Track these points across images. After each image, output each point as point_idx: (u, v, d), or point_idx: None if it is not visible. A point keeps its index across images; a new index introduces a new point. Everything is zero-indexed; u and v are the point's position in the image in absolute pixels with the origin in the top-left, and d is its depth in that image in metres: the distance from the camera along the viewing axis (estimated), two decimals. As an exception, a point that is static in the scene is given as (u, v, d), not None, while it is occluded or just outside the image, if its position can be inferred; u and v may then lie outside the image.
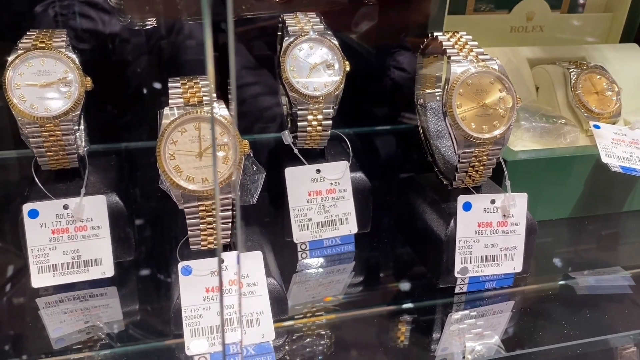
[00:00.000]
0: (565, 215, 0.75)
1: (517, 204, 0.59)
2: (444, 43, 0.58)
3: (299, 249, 0.64)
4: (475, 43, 0.59)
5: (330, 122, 0.65)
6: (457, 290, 0.60)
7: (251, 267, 0.54)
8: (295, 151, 0.65)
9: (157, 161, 0.48)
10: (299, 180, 0.64)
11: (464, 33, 0.60)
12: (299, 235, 0.64)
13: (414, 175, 0.69)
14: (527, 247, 0.61)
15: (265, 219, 0.70)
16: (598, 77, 0.80)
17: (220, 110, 0.50)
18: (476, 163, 0.57)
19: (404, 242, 0.68)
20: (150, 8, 0.84)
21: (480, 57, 0.57)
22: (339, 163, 0.66)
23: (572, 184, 0.74)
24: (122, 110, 0.85)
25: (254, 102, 0.89)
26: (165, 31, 0.84)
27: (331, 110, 0.64)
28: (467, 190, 0.60)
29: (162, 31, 0.83)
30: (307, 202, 0.64)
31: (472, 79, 0.55)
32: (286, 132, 0.65)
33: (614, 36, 0.97)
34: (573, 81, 0.79)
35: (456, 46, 0.58)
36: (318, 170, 0.65)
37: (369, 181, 0.67)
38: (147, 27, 0.81)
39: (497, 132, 0.55)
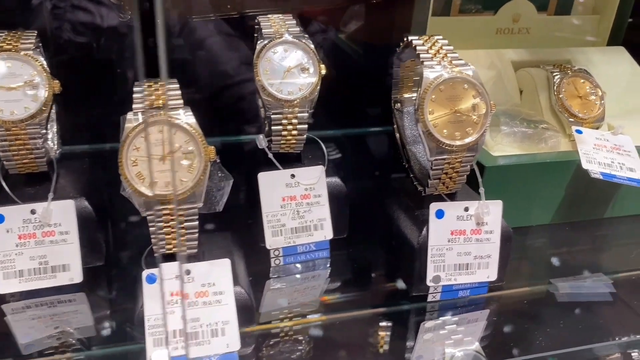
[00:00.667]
0: (546, 222, 0.75)
1: (491, 211, 0.58)
2: (417, 48, 0.57)
3: (272, 255, 0.63)
4: (451, 48, 0.58)
5: (306, 126, 0.64)
6: (430, 298, 0.59)
7: (218, 275, 0.53)
8: (270, 155, 0.64)
9: (119, 168, 0.47)
10: (273, 186, 0.63)
11: (440, 37, 0.59)
12: (272, 241, 0.63)
13: (390, 180, 0.68)
14: (502, 255, 0.60)
15: (245, 224, 0.68)
16: (582, 81, 0.79)
17: (186, 117, 0.49)
18: (449, 170, 0.57)
19: (380, 249, 0.67)
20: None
21: (454, 62, 0.56)
22: (314, 168, 0.65)
23: (553, 189, 0.73)
24: (104, 110, 0.84)
25: (253, 99, 0.88)
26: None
27: (306, 114, 0.63)
28: (441, 197, 0.59)
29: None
30: (281, 207, 0.63)
31: (444, 84, 0.54)
32: (261, 136, 0.64)
33: (602, 38, 0.96)
34: (556, 85, 0.78)
35: (430, 51, 0.57)
36: (292, 175, 0.64)
37: (350, 185, 0.66)
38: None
39: (469, 139, 0.55)
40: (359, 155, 0.91)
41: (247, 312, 0.54)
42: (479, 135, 0.55)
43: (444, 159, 0.55)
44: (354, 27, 0.95)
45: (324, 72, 0.64)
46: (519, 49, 0.89)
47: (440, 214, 0.57)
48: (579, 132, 0.75)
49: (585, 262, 0.71)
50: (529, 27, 0.92)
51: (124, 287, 0.59)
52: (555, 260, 0.69)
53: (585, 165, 0.71)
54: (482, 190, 0.58)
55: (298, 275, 0.63)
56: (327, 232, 0.65)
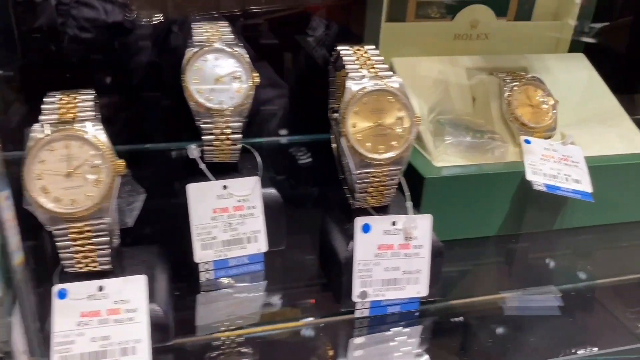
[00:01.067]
0: (492, 233, 0.73)
1: (420, 225, 0.56)
2: (344, 58, 0.55)
3: (201, 269, 0.62)
4: (381, 59, 0.56)
5: (240, 135, 0.62)
6: (357, 314, 0.57)
7: (132, 291, 0.51)
8: (202, 166, 0.63)
9: (22, 182, 0.46)
10: (203, 197, 0.61)
11: (371, 48, 0.58)
12: (201, 254, 0.61)
13: (325, 192, 0.66)
14: (434, 270, 0.58)
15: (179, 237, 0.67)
16: (534, 89, 0.77)
17: (95, 131, 0.48)
18: (376, 183, 0.55)
19: (315, 262, 0.66)
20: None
21: (380, 73, 0.54)
22: (248, 179, 0.63)
23: (500, 201, 0.72)
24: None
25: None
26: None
27: (240, 123, 0.62)
28: (373, 211, 0.58)
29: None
30: (212, 219, 0.62)
31: (368, 97, 0.53)
32: (192, 145, 0.63)
33: (563, 45, 0.95)
34: (507, 93, 0.76)
35: (358, 62, 0.55)
36: (225, 186, 0.62)
37: (295, 194, 0.65)
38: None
39: (393, 153, 0.53)
40: (317, 162, 0.89)
41: (162, 329, 0.52)
42: (403, 149, 0.53)
43: (368, 173, 0.54)
44: (311, 33, 0.93)
45: (257, 81, 0.62)
46: (475, 55, 0.87)
47: (366, 228, 0.56)
48: (527, 142, 0.73)
49: (532, 274, 0.69)
50: (488, 33, 0.91)
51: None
52: (497, 273, 0.67)
53: (529, 176, 0.69)
54: (409, 204, 0.56)
55: (229, 290, 0.62)
56: (261, 245, 0.64)
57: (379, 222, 0.56)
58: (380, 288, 0.57)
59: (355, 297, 0.56)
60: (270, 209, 0.65)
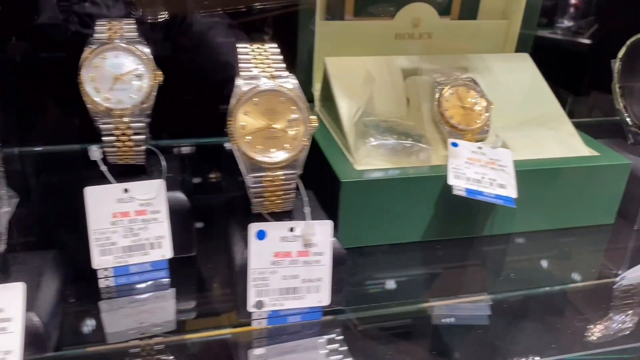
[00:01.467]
0: (416, 239, 0.70)
1: (320, 232, 0.54)
2: (239, 57, 0.53)
3: (100, 276, 0.59)
4: (279, 58, 0.54)
5: (143, 136, 0.60)
6: (255, 325, 0.55)
7: (8, 300, 0.49)
8: (103, 168, 0.60)
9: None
10: (102, 201, 0.59)
11: (273, 46, 0.55)
12: (99, 260, 0.59)
13: (234, 196, 0.64)
14: (337, 278, 0.56)
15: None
16: (466, 90, 0.75)
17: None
18: (272, 188, 0.53)
19: (223, 269, 0.63)
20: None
21: (275, 73, 0.52)
22: (151, 182, 0.61)
23: (423, 206, 0.69)
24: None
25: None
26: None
27: (142, 123, 0.59)
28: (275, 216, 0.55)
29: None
30: (112, 224, 0.59)
31: (259, 97, 0.50)
32: (94, 147, 0.60)
33: (511, 45, 0.92)
34: (438, 94, 0.74)
35: (254, 60, 0.53)
36: (126, 190, 0.60)
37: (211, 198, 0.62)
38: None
39: (285, 157, 0.51)
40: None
41: (39, 339, 0.50)
42: (296, 152, 0.51)
43: (261, 177, 0.51)
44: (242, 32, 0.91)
45: (160, 79, 0.60)
46: (414, 55, 0.84)
47: (261, 234, 0.53)
48: (455, 145, 0.70)
49: (454, 282, 0.66)
50: (431, 32, 0.88)
51: None
52: (418, 280, 0.65)
53: (450, 180, 0.67)
54: (307, 209, 0.54)
55: (127, 297, 0.59)
56: (165, 251, 0.61)
57: (275, 229, 0.53)
58: (278, 297, 0.54)
59: (250, 307, 0.54)
60: (177, 214, 0.62)
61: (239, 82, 0.50)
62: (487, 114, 0.74)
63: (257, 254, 0.53)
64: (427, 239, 0.71)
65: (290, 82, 0.51)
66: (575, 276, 0.70)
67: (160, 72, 0.60)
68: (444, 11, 0.89)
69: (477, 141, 0.73)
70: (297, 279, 0.55)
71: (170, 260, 0.62)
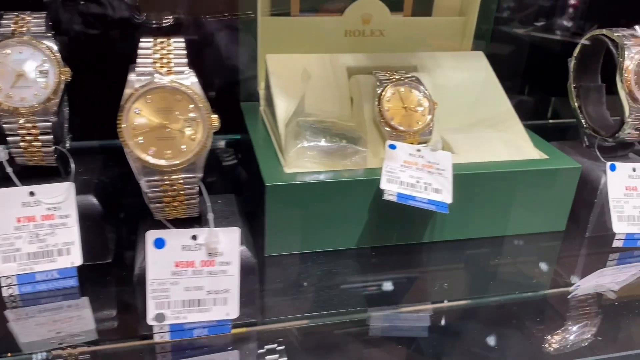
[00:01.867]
0: (350, 246, 0.67)
1: (226, 239, 0.50)
2: (139, 51, 0.49)
3: (3, 284, 0.56)
4: (182, 53, 0.50)
5: (51, 137, 0.57)
6: (157, 338, 0.51)
7: None
8: (8, 170, 0.57)
9: None
10: (5, 205, 0.55)
11: (179, 41, 0.52)
12: (2, 268, 0.56)
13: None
14: (247, 289, 0.52)
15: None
16: (410, 90, 0.71)
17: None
18: (172, 192, 0.49)
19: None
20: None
21: (175, 69, 0.48)
22: (59, 184, 0.57)
23: (357, 211, 0.65)
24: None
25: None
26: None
27: (48, 123, 0.56)
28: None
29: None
30: (15, 229, 0.56)
31: (153, 94, 0.47)
32: (0, 147, 0.57)
33: (468, 43, 0.88)
34: (379, 94, 0.70)
35: (153, 55, 0.49)
36: (32, 193, 0.56)
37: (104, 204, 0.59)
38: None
39: (181, 160, 0.47)
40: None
41: None
42: (193, 154, 0.47)
43: (156, 181, 0.48)
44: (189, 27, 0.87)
45: (66, 76, 0.56)
46: (361, 53, 0.81)
47: (160, 243, 0.50)
48: (392, 147, 0.67)
49: (385, 292, 0.63)
50: (383, 30, 0.85)
51: None
52: (345, 290, 0.61)
53: (383, 184, 0.63)
54: (210, 215, 0.50)
55: (32, 307, 0.56)
56: (75, 258, 0.58)
57: (175, 237, 0.50)
58: (180, 310, 0.51)
59: (150, 320, 0.50)
60: (88, 219, 0.59)
61: (131, 77, 0.47)
62: (430, 115, 0.70)
63: (155, 263, 0.50)
64: (362, 246, 0.67)
65: (189, 80, 0.48)
66: (525, 285, 0.65)
67: (67, 69, 0.57)
68: (396, 8, 0.85)
69: (420, 143, 0.69)
70: (202, 291, 0.51)
71: (82, 268, 0.58)
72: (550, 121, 1.10)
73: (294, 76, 0.76)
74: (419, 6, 0.87)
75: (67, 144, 0.65)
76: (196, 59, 0.86)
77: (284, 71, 0.76)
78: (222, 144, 0.91)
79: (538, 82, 1.10)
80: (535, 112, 1.12)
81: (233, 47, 0.86)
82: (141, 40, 0.51)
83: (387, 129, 0.69)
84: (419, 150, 0.67)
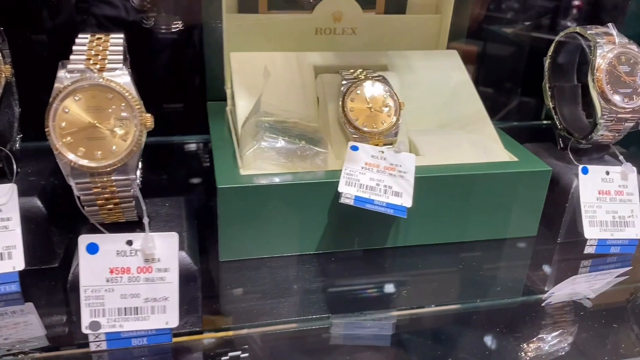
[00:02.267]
0: (310, 251, 0.64)
1: (163, 245, 0.48)
2: (74, 48, 0.47)
3: (-63, 288, 0.54)
4: (119, 49, 0.48)
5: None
6: (93, 347, 0.49)
7: None
8: (-53, 172, 0.54)
9: None
10: (-58, 207, 0.53)
11: (118, 37, 0.49)
12: (-63, 272, 0.53)
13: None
14: (189, 296, 0.50)
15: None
16: (376, 90, 0.68)
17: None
18: (106, 196, 0.47)
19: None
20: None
21: (109, 66, 0.46)
22: (1, 186, 0.55)
23: (316, 214, 0.63)
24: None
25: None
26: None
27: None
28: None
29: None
30: (-47, 233, 0.54)
31: (82, 93, 0.44)
32: None
33: (444, 41, 0.85)
34: (343, 94, 0.68)
35: (87, 52, 0.47)
36: (-29, 195, 0.54)
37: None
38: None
39: (111, 161, 0.45)
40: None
41: None
42: (124, 155, 0.45)
43: (87, 183, 0.45)
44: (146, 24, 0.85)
45: (6, 74, 0.54)
46: (330, 52, 0.78)
47: (93, 248, 0.47)
48: (354, 148, 0.64)
49: (343, 299, 0.60)
50: (355, 28, 0.82)
51: None
52: (298, 298, 0.59)
53: (341, 187, 0.61)
54: (146, 220, 0.48)
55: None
56: (16, 262, 0.56)
57: (109, 242, 0.48)
58: (116, 318, 0.49)
59: (84, 329, 0.48)
60: (32, 222, 0.57)
61: (60, 74, 0.45)
62: (396, 116, 0.67)
63: (88, 270, 0.47)
64: (321, 251, 0.64)
65: (122, 77, 0.45)
66: (491, 293, 0.63)
67: (8, 67, 0.55)
68: (368, 5, 0.83)
69: (385, 145, 0.67)
70: (139, 298, 0.49)
71: (27, 272, 0.56)
72: (545, 122, 1.07)
73: (257, 75, 0.73)
74: (393, 3, 0.85)
75: (17, 145, 0.63)
76: (163, 58, 0.85)
77: (248, 70, 0.73)
78: (190, 145, 0.89)
79: (533, 82, 1.07)
80: (528, 112, 1.09)
81: (200, 45, 0.84)
82: (79, 35, 0.49)
83: (351, 129, 0.66)
84: (382, 152, 0.64)
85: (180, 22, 0.82)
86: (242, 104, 0.70)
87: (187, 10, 0.82)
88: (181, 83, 0.85)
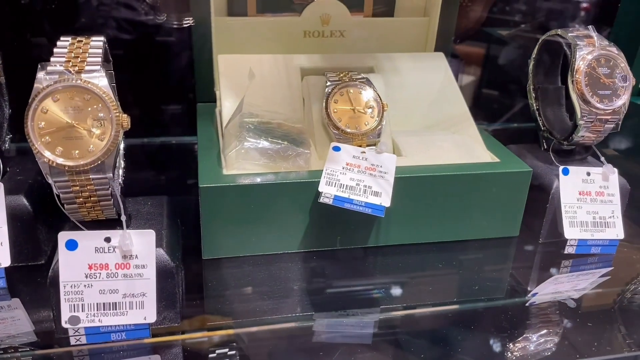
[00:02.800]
0: (293, 250, 0.65)
1: (140, 242, 0.49)
2: (54, 50, 0.49)
3: None
4: (98, 52, 0.49)
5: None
6: (72, 342, 0.50)
7: None
8: None
9: None
10: None
11: (98, 39, 0.51)
12: None
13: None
14: (167, 293, 0.51)
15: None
16: (359, 91, 0.69)
17: None
18: (85, 194, 0.48)
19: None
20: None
21: (87, 68, 0.47)
22: (-16, 185, 0.57)
23: (298, 213, 0.64)
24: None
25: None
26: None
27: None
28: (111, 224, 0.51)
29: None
30: None
31: (61, 93, 0.46)
32: None
33: (431, 43, 0.86)
34: (327, 95, 0.69)
35: (67, 54, 0.48)
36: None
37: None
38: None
39: (88, 160, 0.46)
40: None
41: None
42: (100, 155, 0.46)
43: (66, 182, 0.47)
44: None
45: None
46: (317, 54, 0.79)
47: (72, 245, 0.49)
48: (337, 149, 0.66)
49: (324, 298, 0.61)
50: (344, 30, 0.83)
51: None
52: (279, 297, 0.60)
53: (321, 187, 0.62)
54: (123, 217, 0.49)
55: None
56: (3, 259, 0.57)
57: (88, 238, 0.49)
58: (95, 313, 0.50)
59: (64, 323, 0.49)
60: (18, 219, 0.58)
61: (39, 75, 0.46)
62: (379, 117, 0.68)
63: (68, 265, 0.49)
64: (304, 250, 0.65)
65: (99, 79, 0.47)
66: (475, 293, 0.63)
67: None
68: (356, 8, 0.84)
69: (368, 145, 0.68)
70: (117, 294, 0.50)
71: (13, 269, 0.57)
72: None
73: (244, 77, 0.75)
74: (381, 6, 0.86)
75: (7, 144, 0.64)
76: (155, 60, 0.86)
77: (235, 72, 0.75)
78: (180, 145, 0.90)
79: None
80: (521, 114, 1.10)
81: (191, 47, 0.85)
82: (60, 38, 0.51)
83: (334, 130, 0.67)
84: (363, 152, 0.65)
85: (191, 19, 0.84)
86: (227, 105, 0.71)
87: (178, 9, 0.83)
88: (172, 84, 0.87)
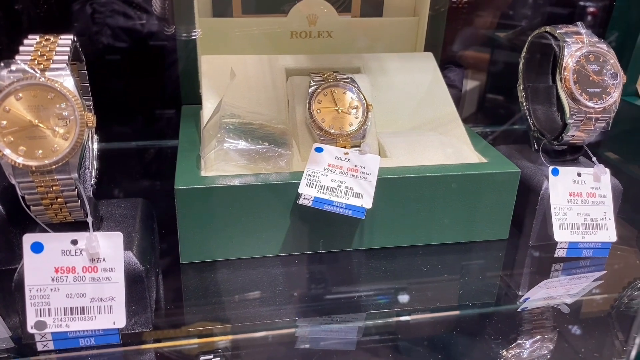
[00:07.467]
0: (274, 253, 0.64)
1: (108, 245, 0.48)
2: (21, 48, 0.47)
3: None
4: (65, 50, 0.48)
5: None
6: (40, 347, 0.49)
7: None
8: None
9: None
10: None
11: (67, 38, 0.50)
12: None
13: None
14: (137, 297, 0.50)
15: None
16: (342, 92, 0.68)
17: None
18: (51, 195, 0.47)
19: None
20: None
21: (52, 66, 0.46)
22: (-41, 188, 0.55)
23: (279, 216, 0.63)
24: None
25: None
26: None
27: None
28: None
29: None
30: None
31: (23, 92, 0.45)
32: None
33: (421, 43, 0.85)
34: (310, 96, 0.67)
35: (33, 53, 0.47)
36: None
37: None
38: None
39: (55, 159, 0.45)
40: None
41: None
42: (65, 154, 0.45)
43: (30, 183, 0.46)
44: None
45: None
46: (303, 54, 0.78)
47: (37, 247, 0.47)
48: (319, 150, 0.64)
49: (304, 303, 0.59)
50: (331, 31, 0.82)
51: None
52: (256, 301, 0.58)
53: (301, 188, 0.60)
54: (89, 219, 0.48)
55: None
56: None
57: (54, 241, 0.47)
58: (62, 318, 0.48)
59: (30, 328, 0.48)
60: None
61: (2, 73, 0.45)
62: (363, 118, 0.67)
63: (33, 269, 0.47)
64: (285, 254, 0.64)
65: (64, 78, 0.46)
66: (463, 299, 0.61)
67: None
68: (344, 8, 0.83)
69: (353, 147, 0.66)
70: (85, 298, 0.49)
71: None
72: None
73: (227, 77, 0.74)
74: (369, 6, 0.84)
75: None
76: (142, 63, 0.85)
77: (218, 73, 0.74)
78: (163, 148, 0.89)
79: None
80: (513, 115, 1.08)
81: (176, 49, 0.84)
82: (28, 36, 0.50)
83: (317, 131, 0.66)
84: (346, 154, 0.64)
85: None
86: (209, 107, 0.70)
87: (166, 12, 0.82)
88: (158, 87, 0.86)
